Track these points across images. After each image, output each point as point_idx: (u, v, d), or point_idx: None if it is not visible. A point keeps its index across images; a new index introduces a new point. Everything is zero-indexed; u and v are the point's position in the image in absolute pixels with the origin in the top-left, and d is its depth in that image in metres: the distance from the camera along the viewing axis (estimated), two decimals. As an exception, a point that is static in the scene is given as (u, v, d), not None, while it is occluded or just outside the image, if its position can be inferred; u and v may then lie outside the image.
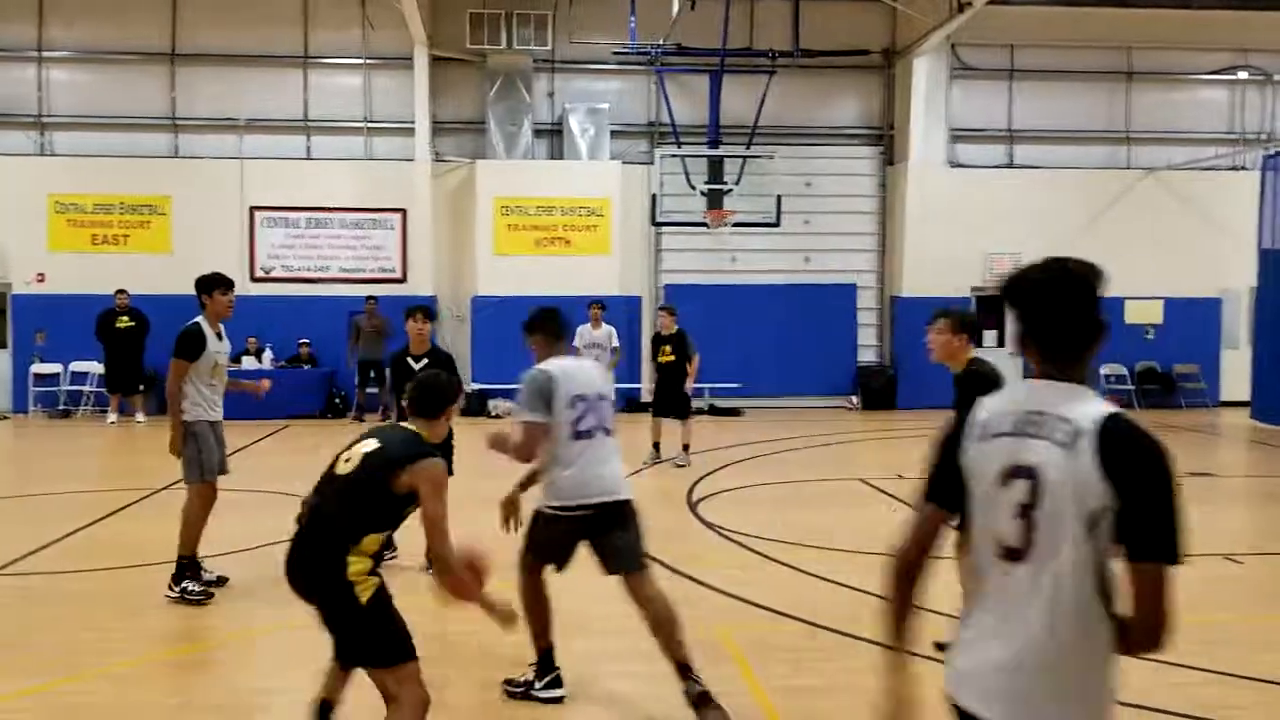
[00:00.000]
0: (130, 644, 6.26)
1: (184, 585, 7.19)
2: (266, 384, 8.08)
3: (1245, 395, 18.98)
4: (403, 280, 19.36)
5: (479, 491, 6.23)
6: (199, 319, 7.42)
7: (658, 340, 13.67)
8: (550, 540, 5.30)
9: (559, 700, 5.32)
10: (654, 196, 17.85)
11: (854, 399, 20.24)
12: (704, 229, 18.25)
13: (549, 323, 5.53)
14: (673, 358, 13.34)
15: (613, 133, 19.86)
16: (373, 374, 17.91)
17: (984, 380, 5.59)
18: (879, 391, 19.83)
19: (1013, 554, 2.50)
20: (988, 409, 2.66)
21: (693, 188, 17.68)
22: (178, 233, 18.97)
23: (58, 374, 18.67)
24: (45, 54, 19.22)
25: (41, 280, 18.81)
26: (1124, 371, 20.29)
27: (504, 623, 4.46)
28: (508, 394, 17.93)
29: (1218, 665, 5.64)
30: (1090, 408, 2.48)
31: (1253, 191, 18.17)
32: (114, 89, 19.33)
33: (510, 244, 19.23)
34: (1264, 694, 5.60)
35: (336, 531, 4.14)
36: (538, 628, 5.38)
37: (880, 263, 20.68)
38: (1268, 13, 20.01)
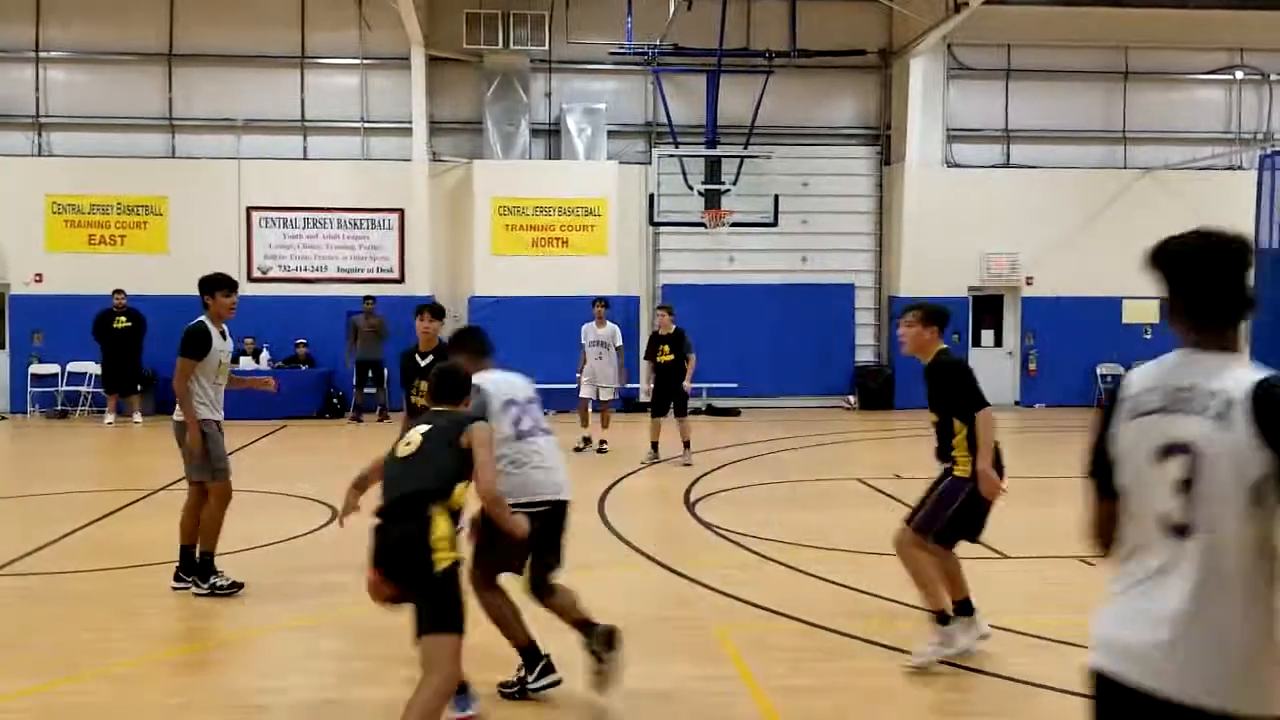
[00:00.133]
0: (130, 644, 6.26)
1: (212, 581, 7.29)
2: (274, 380, 8.13)
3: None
4: (400, 280, 19.36)
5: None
6: (203, 318, 7.44)
7: (656, 340, 13.69)
8: (510, 542, 5.27)
9: (557, 684, 5.33)
10: (651, 196, 17.86)
11: (851, 399, 20.26)
12: (701, 229, 18.26)
13: (471, 341, 5.89)
14: (671, 357, 13.37)
15: (610, 133, 19.87)
16: (370, 374, 17.92)
17: (951, 369, 5.99)
18: (877, 391, 19.84)
19: (1178, 530, 2.50)
20: (1135, 385, 2.66)
21: (690, 188, 17.69)
22: (175, 233, 18.96)
23: (55, 374, 18.66)
24: (42, 54, 19.20)
25: (39, 281, 18.80)
26: (1121, 371, 20.17)
27: (516, 529, 4.89)
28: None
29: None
30: (1240, 375, 2.48)
31: (1250, 191, 18.16)
32: (111, 89, 19.32)
33: (507, 244, 19.24)
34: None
35: (425, 494, 4.53)
36: (511, 632, 5.40)
37: (877, 262, 20.70)
38: (1264, 12, 20.03)
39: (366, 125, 19.68)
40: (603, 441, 14.15)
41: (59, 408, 18.56)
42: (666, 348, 13.43)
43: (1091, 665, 2.63)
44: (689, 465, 12.97)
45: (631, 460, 13.29)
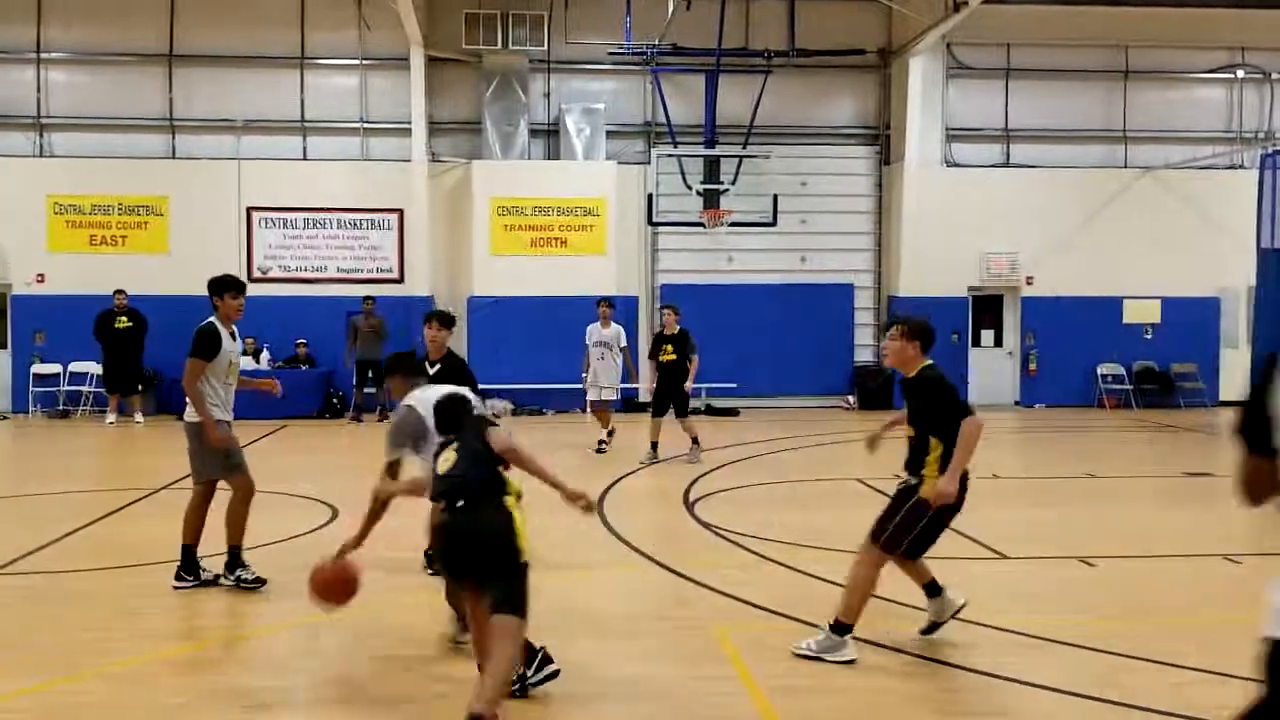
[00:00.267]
0: (130, 644, 6.26)
1: (238, 574, 7.38)
2: (277, 383, 8.16)
3: (1244, 395, 18.97)
4: (400, 280, 19.37)
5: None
6: (212, 319, 7.46)
7: (659, 339, 13.68)
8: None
9: (556, 675, 5.32)
10: (650, 196, 17.86)
11: (850, 399, 20.26)
12: (700, 229, 18.25)
13: (403, 364, 6.31)
14: (674, 357, 13.35)
15: (609, 133, 19.89)
16: (370, 374, 17.92)
17: (933, 385, 5.97)
18: (876, 391, 19.82)
19: None
20: None
21: (689, 187, 17.68)
22: (175, 233, 18.99)
23: (57, 374, 18.70)
24: (43, 55, 19.23)
25: (41, 281, 18.83)
26: (1121, 371, 20.30)
27: (580, 505, 5.08)
28: (503, 394, 17.97)
29: (1216, 665, 5.64)
30: None
31: (1251, 190, 18.16)
32: (112, 90, 19.34)
33: (506, 244, 19.25)
34: (1261, 693, 5.61)
35: (490, 485, 4.86)
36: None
37: (877, 262, 20.70)
38: (1265, 11, 20.04)
39: (366, 125, 19.69)
40: (601, 442, 14.15)
41: (61, 407, 18.59)
42: (670, 347, 13.41)
43: (1268, 635, 2.58)
44: (698, 463, 12.97)
45: (631, 460, 13.29)
